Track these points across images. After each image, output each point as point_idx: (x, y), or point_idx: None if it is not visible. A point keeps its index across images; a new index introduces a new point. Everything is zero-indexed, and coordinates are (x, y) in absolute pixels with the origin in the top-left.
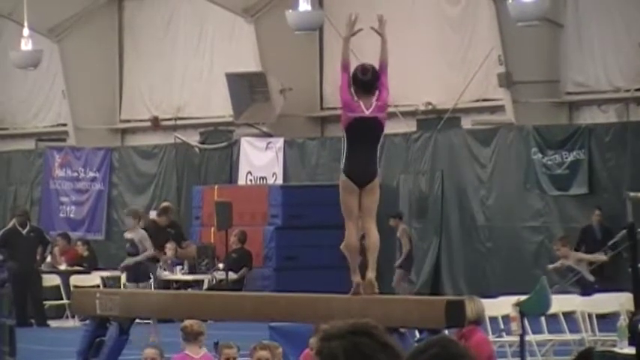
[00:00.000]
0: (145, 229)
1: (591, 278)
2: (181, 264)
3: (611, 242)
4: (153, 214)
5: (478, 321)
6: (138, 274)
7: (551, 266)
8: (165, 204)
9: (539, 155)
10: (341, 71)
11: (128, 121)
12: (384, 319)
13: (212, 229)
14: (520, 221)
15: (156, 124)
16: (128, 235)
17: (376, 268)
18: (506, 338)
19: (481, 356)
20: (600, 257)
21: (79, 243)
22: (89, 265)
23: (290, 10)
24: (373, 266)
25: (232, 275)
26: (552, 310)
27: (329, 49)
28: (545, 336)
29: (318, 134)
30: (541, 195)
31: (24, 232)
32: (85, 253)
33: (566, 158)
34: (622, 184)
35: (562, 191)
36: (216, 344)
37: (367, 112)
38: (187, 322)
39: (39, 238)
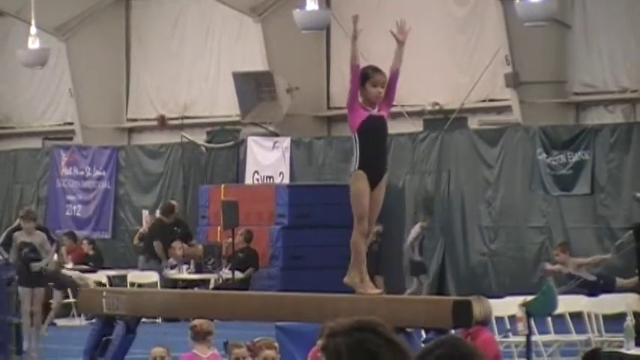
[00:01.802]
0: (150, 227)
1: (593, 278)
2: (188, 263)
3: (617, 243)
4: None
5: (485, 321)
6: (39, 280)
7: (548, 267)
8: (169, 202)
9: (544, 155)
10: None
11: (135, 120)
12: (391, 319)
13: (218, 228)
14: (526, 222)
15: (163, 123)
16: (26, 238)
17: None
18: (512, 338)
19: (488, 356)
20: (602, 256)
21: (84, 242)
22: (95, 264)
23: (297, 10)
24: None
25: (239, 274)
26: (559, 310)
27: (336, 48)
28: (552, 336)
29: (325, 134)
30: (545, 195)
31: None
32: (91, 252)
33: (571, 158)
34: (625, 185)
35: (565, 191)
36: (225, 344)
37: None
38: (197, 322)
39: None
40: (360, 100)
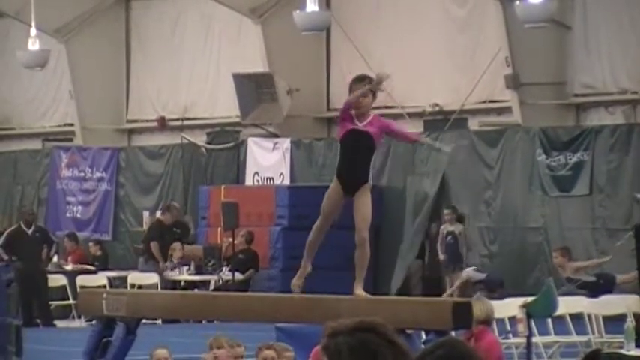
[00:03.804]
0: (149, 228)
1: (592, 279)
2: (188, 264)
3: (617, 244)
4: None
5: (488, 321)
6: None
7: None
8: (170, 203)
9: (544, 157)
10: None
11: (135, 121)
12: (392, 320)
13: (218, 229)
14: (525, 223)
15: (163, 125)
16: None
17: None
18: (512, 340)
19: (492, 357)
20: (600, 260)
21: (91, 243)
22: (101, 264)
23: (297, 11)
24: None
25: (238, 276)
26: (559, 311)
27: (336, 49)
28: (552, 337)
29: (325, 135)
30: (545, 197)
31: (29, 232)
32: (98, 253)
33: (570, 160)
34: (623, 186)
35: (564, 192)
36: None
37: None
38: None
39: (44, 237)
40: (353, 112)
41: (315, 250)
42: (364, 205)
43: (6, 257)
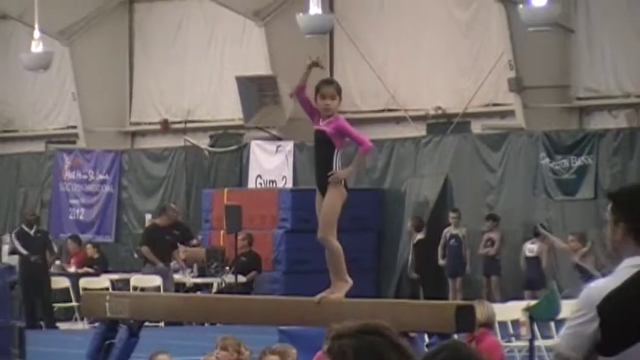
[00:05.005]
0: (143, 232)
1: (598, 274)
2: (191, 267)
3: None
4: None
5: (489, 324)
6: None
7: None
8: (164, 204)
9: (547, 160)
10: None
11: (138, 123)
12: (394, 323)
13: (221, 232)
14: (527, 226)
15: (166, 127)
16: None
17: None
18: (515, 343)
19: None
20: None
21: (88, 246)
22: (99, 267)
23: (300, 14)
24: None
25: (241, 278)
26: (562, 314)
27: (339, 52)
28: (555, 341)
29: None
30: (548, 200)
31: (32, 232)
32: (96, 256)
33: (574, 163)
34: None
35: (568, 196)
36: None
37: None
38: None
39: (44, 242)
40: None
41: (332, 268)
42: (325, 202)
43: (24, 252)
